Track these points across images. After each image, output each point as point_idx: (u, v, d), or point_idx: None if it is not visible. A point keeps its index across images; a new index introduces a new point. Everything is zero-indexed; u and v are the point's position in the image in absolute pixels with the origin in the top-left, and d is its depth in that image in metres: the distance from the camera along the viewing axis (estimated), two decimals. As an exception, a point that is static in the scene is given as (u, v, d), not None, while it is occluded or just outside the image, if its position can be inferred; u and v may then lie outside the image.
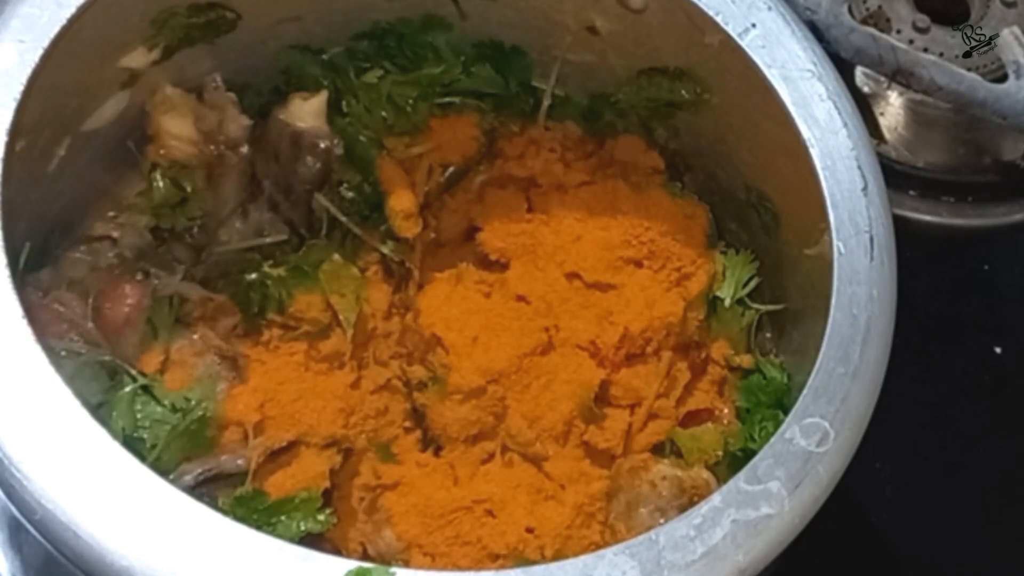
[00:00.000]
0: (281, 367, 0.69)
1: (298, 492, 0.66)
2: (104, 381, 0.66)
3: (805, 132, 0.67)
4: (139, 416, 0.66)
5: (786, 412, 0.62)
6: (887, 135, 0.91)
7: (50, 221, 0.69)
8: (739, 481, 0.58)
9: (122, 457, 0.55)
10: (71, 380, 0.56)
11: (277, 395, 0.68)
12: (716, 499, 0.57)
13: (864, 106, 0.88)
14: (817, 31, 0.80)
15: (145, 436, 0.65)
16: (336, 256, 0.72)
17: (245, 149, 0.72)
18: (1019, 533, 0.85)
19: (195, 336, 0.69)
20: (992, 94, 0.83)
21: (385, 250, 0.74)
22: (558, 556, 0.64)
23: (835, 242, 0.64)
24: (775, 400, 0.70)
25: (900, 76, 0.84)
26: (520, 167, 0.76)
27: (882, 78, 0.89)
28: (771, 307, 0.74)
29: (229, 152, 0.71)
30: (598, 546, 0.64)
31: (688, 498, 0.67)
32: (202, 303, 0.69)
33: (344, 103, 0.75)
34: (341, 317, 0.71)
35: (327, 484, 0.67)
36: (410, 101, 0.75)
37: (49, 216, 0.69)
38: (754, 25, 0.69)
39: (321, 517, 0.66)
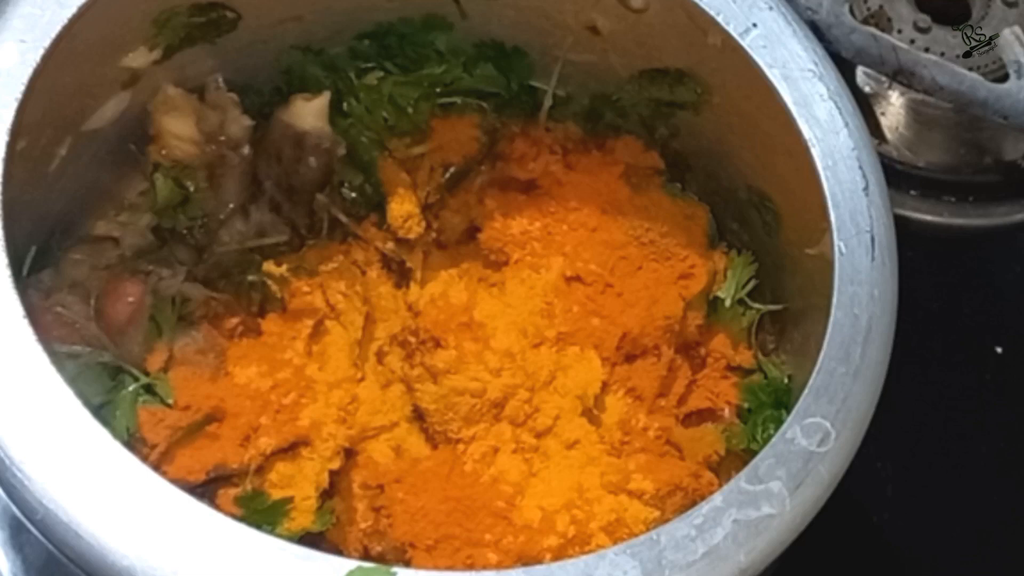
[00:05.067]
0: (282, 366, 0.69)
1: (298, 492, 0.66)
2: (106, 381, 0.66)
3: (806, 132, 0.67)
4: (141, 416, 0.66)
5: (787, 412, 0.62)
6: (888, 135, 0.91)
7: (51, 221, 0.69)
8: (740, 481, 0.58)
9: (124, 457, 0.55)
10: (73, 381, 0.56)
11: (278, 395, 0.68)
12: (717, 499, 0.57)
13: (865, 106, 0.88)
14: (818, 31, 0.80)
15: (147, 436, 0.65)
16: (338, 256, 0.73)
17: (247, 149, 0.72)
18: (1019, 533, 0.85)
19: (198, 335, 0.69)
20: (993, 94, 0.83)
21: (386, 250, 0.74)
22: (560, 556, 0.64)
23: (836, 242, 0.64)
24: (776, 400, 0.70)
25: (901, 76, 0.84)
26: (521, 168, 0.76)
27: (883, 78, 0.89)
28: (772, 307, 0.74)
29: (230, 152, 0.71)
30: (601, 546, 0.64)
31: (690, 498, 0.67)
32: (205, 303, 0.69)
33: (345, 104, 0.75)
34: (343, 317, 0.71)
35: (327, 484, 0.67)
36: (411, 102, 0.75)
37: (50, 216, 0.69)
38: (755, 25, 0.69)
39: (321, 517, 0.66)
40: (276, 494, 0.66)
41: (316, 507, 0.66)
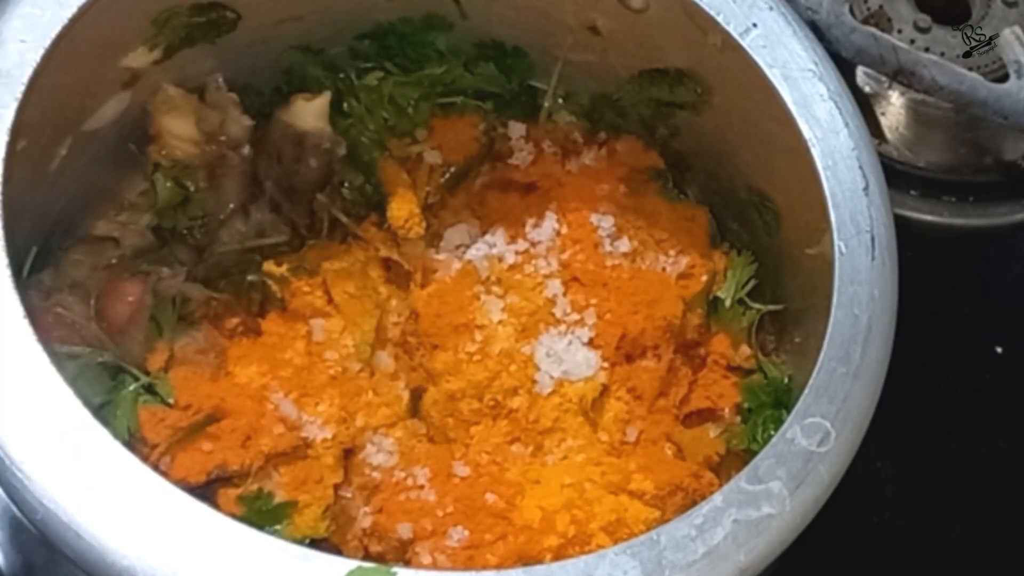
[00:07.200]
0: (283, 366, 0.69)
1: (301, 499, 0.66)
2: (106, 381, 0.66)
3: (806, 132, 0.67)
4: (142, 416, 0.66)
5: (787, 412, 0.62)
6: (888, 135, 0.91)
7: (52, 221, 0.69)
8: (740, 481, 0.58)
9: (124, 457, 0.55)
10: (73, 381, 0.56)
11: (278, 395, 0.68)
12: (717, 499, 0.57)
13: (865, 106, 0.88)
14: (818, 31, 0.80)
15: (148, 436, 0.65)
16: (338, 256, 0.73)
17: (247, 149, 0.72)
18: (1019, 533, 0.85)
19: (199, 334, 0.69)
20: (993, 94, 0.83)
21: (386, 251, 0.73)
22: (560, 556, 0.64)
23: (836, 242, 0.65)
24: (776, 400, 0.70)
25: (901, 76, 0.84)
26: (521, 168, 0.76)
27: (883, 78, 0.89)
28: (772, 307, 0.74)
29: (231, 152, 0.71)
30: (601, 546, 0.64)
31: (690, 498, 0.67)
32: (205, 303, 0.69)
33: (345, 104, 0.75)
34: (343, 317, 0.71)
35: (331, 500, 0.67)
36: (411, 102, 0.75)
37: (51, 216, 0.69)
38: (755, 25, 0.69)
39: (322, 523, 0.66)
40: (278, 496, 0.66)
41: (317, 517, 0.66)
